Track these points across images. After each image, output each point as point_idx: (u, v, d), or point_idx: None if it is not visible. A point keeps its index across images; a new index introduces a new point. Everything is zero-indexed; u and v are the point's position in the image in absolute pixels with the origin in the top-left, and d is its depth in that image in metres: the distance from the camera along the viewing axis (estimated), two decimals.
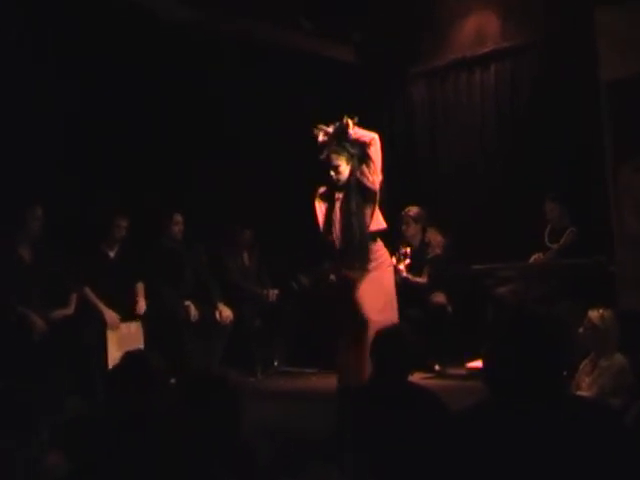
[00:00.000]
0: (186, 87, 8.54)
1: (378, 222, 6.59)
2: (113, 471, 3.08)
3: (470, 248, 8.05)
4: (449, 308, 7.89)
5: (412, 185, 9.06)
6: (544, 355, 2.57)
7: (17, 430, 3.92)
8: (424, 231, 8.21)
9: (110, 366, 6.42)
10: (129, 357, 3.70)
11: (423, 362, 7.37)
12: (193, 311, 7.70)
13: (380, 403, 4.15)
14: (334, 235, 6.66)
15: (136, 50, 8.09)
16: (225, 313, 7.83)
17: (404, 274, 7.82)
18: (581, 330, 5.22)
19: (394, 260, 7.51)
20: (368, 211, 6.51)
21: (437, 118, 9.20)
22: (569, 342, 5.12)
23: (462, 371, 7.57)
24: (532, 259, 7.35)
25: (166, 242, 7.98)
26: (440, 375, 7.66)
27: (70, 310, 7.07)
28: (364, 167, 6.49)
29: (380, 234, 6.64)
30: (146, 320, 7.45)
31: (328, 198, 6.70)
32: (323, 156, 6.55)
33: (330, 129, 6.53)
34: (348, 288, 6.46)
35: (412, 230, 8.14)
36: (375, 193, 6.51)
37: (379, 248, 6.62)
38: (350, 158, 6.50)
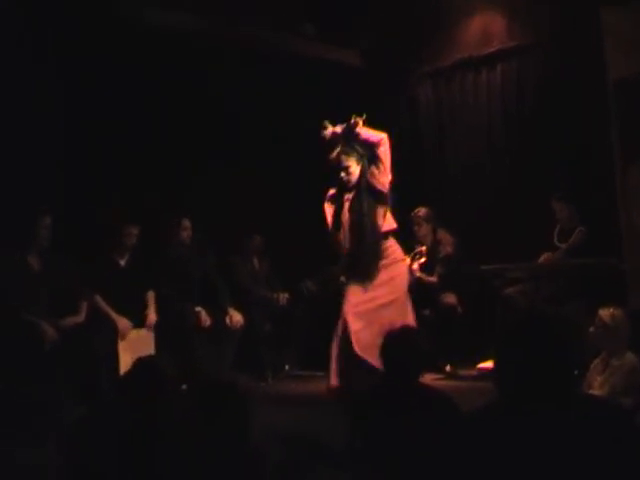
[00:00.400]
0: (188, 91, 8.52)
1: (389, 223, 6.62)
2: (123, 478, 3.09)
3: (478, 248, 8.04)
4: (459, 309, 7.89)
5: (419, 186, 9.05)
6: (554, 355, 2.57)
7: (25, 435, 3.94)
8: (434, 231, 8.21)
9: (121, 373, 6.44)
10: (140, 363, 3.70)
11: (434, 363, 7.37)
12: (204, 317, 7.68)
13: (391, 405, 4.15)
14: (342, 236, 6.69)
15: (136, 51, 8.06)
16: (235, 318, 7.82)
17: (417, 274, 7.81)
18: (592, 329, 5.21)
19: (408, 260, 7.54)
20: (380, 211, 6.55)
21: (443, 118, 9.19)
22: (579, 342, 5.14)
23: (473, 372, 7.56)
24: (541, 259, 7.34)
25: (175, 248, 7.99)
26: (451, 376, 7.64)
27: (81, 318, 7.06)
28: (374, 168, 6.51)
29: (392, 234, 6.68)
30: (157, 326, 7.45)
31: (337, 200, 6.73)
32: (333, 156, 6.58)
33: (338, 129, 6.56)
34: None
35: (424, 230, 8.14)
36: (385, 194, 6.53)
37: (391, 244, 6.66)
38: (360, 159, 6.54)
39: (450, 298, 7.91)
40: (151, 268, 7.69)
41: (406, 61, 9.25)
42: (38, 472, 3.84)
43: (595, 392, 4.91)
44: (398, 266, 6.75)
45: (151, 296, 7.56)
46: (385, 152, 6.47)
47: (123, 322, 7.20)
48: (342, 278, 6.92)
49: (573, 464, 2.39)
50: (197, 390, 3.59)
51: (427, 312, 7.86)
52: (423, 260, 7.83)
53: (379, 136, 6.47)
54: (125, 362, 6.67)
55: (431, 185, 9.17)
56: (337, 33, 8.94)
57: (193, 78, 8.50)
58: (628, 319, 5.18)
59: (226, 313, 7.81)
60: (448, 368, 7.75)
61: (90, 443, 3.45)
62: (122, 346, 7.10)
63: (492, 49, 8.69)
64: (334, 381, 6.48)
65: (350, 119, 6.48)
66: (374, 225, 6.53)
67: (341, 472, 3.60)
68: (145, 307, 7.48)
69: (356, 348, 6.32)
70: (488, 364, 7.05)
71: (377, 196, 6.55)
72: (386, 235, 6.65)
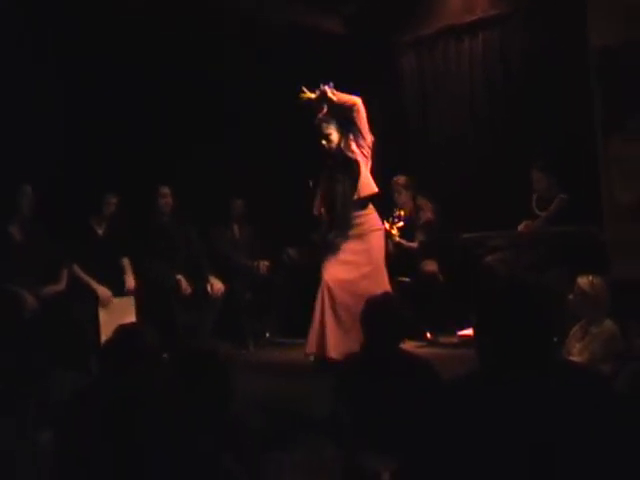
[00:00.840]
0: (178, 65, 8.51)
1: (369, 187, 6.63)
2: (105, 448, 3.09)
3: (460, 217, 8.06)
4: (440, 277, 7.91)
5: (402, 154, 9.04)
6: (534, 323, 2.59)
7: (6, 407, 3.93)
8: (414, 199, 8.22)
9: (102, 341, 6.44)
10: (122, 331, 3.70)
11: (415, 330, 7.40)
12: (185, 284, 7.70)
13: (372, 371, 4.17)
14: (320, 204, 6.76)
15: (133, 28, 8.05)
16: (216, 286, 7.83)
17: (397, 239, 7.83)
18: (571, 297, 5.25)
19: (387, 225, 7.56)
20: (353, 181, 6.56)
21: (426, 87, 9.16)
22: (559, 309, 5.17)
23: (454, 339, 7.60)
24: (521, 226, 7.35)
25: (155, 216, 7.99)
26: (432, 343, 7.68)
27: (61, 286, 7.07)
28: (350, 135, 6.54)
29: (373, 201, 6.69)
30: (138, 294, 7.46)
31: (320, 167, 6.79)
32: (316, 123, 6.61)
33: (312, 95, 6.60)
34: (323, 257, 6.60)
35: (403, 197, 8.14)
36: (358, 163, 6.55)
37: (368, 213, 6.67)
38: (339, 126, 6.57)
39: (431, 266, 7.93)
40: (130, 236, 7.69)
41: (389, 29, 9.19)
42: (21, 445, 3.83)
43: (574, 359, 4.94)
44: (374, 236, 6.76)
45: (126, 263, 7.58)
46: (360, 116, 6.51)
47: (103, 290, 7.22)
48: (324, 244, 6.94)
49: (552, 430, 2.40)
50: (178, 358, 3.58)
51: (408, 279, 7.89)
52: (401, 224, 7.84)
53: (352, 100, 6.51)
54: (106, 330, 6.67)
55: (414, 153, 9.16)
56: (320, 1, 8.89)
57: (177, 51, 8.47)
58: (608, 287, 5.21)
59: (207, 281, 7.82)
60: (429, 335, 7.79)
61: (72, 414, 3.45)
62: (103, 314, 7.12)
63: (474, 17, 8.64)
64: (312, 349, 6.51)
65: (320, 86, 6.53)
66: (346, 194, 6.56)
67: (323, 439, 3.62)
68: (123, 274, 7.51)
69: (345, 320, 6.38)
70: (468, 331, 7.09)
71: (351, 165, 6.57)
72: (364, 203, 6.66)
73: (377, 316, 4.33)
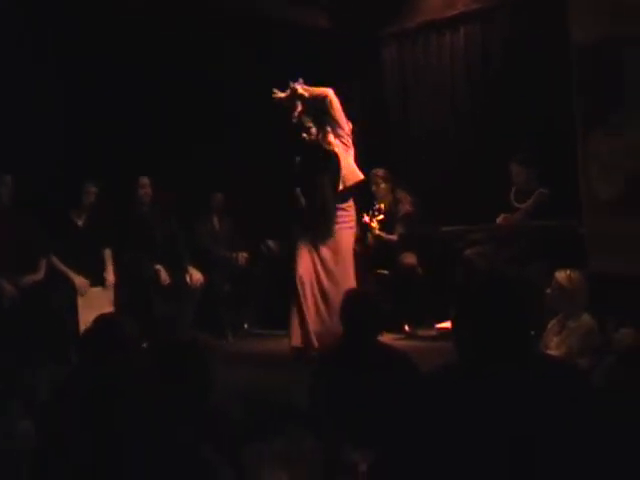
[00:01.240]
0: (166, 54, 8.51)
1: (354, 174, 6.63)
2: (83, 437, 3.08)
3: (440, 211, 8.09)
4: (419, 269, 7.93)
5: (383, 147, 9.05)
6: (512, 316, 2.60)
7: None
8: (393, 191, 8.23)
9: (81, 331, 6.43)
10: (101, 320, 3.69)
11: (393, 323, 7.42)
12: (163, 275, 7.69)
13: (350, 363, 4.18)
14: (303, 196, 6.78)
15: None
16: (195, 277, 7.83)
17: (377, 232, 7.85)
18: (549, 291, 5.28)
19: (367, 218, 7.59)
20: (332, 173, 6.57)
21: (408, 80, 9.16)
22: (537, 303, 5.20)
23: (432, 332, 7.62)
24: (499, 219, 7.37)
25: (135, 207, 7.97)
26: (410, 336, 7.71)
27: (40, 276, 7.07)
28: (327, 128, 6.56)
29: (354, 195, 6.70)
30: (116, 284, 7.45)
31: (301, 160, 6.80)
32: (294, 118, 6.63)
33: (282, 95, 6.64)
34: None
35: (382, 190, 8.15)
36: (336, 155, 6.56)
37: (346, 207, 6.67)
38: (315, 119, 6.60)
39: (410, 259, 7.94)
40: (110, 226, 7.67)
41: (371, 22, 9.19)
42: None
43: (551, 352, 4.97)
44: (344, 233, 6.76)
45: (108, 254, 7.55)
46: (333, 106, 6.54)
47: (80, 280, 7.22)
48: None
49: (530, 423, 2.42)
50: (158, 348, 3.58)
51: (387, 272, 7.91)
52: (381, 217, 7.86)
53: (324, 92, 6.54)
54: (85, 320, 6.66)
55: (395, 146, 9.17)
56: None
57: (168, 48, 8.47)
58: (586, 281, 5.24)
59: (186, 272, 7.81)
60: (407, 328, 7.81)
61: (52, 405, 3.45)
62: (81, 304, 7.10)
63: (456, 12, 8.65)
64: (296, 341, 6.53)
65: (290, 84, 6.57)
66: (325, 187, 6.58)
67: (302, 430, 3.62)
68: (103, 266, 7.48)
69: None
70: (447, 324, 7.11)
71: (329, 158, 6.58)
72: (346, 197, 6.66)
73: (355, 309, 4.34)
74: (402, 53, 9.17)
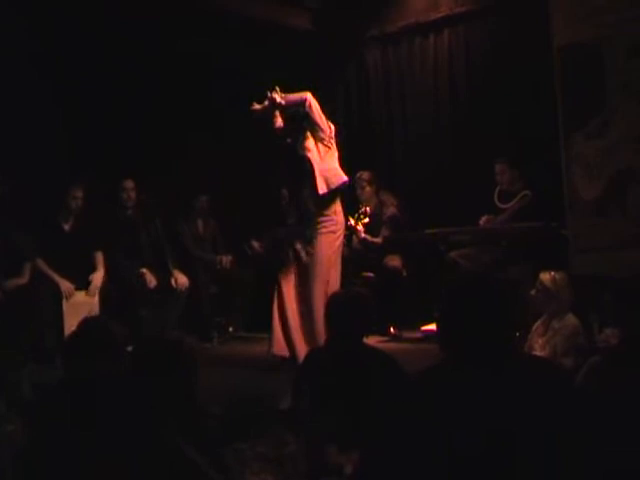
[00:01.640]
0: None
1: (338, 177, 6.57)
2: (69, 438, 3.08)
3: (425, 213, 8.11)
4: (404, 272, 7.94)
5: (367, 150, 9.06)
6: (496, 318, 2.61)
7: None
8: (377, 194, 8.25)
9: (66, 334, 6.42)
10: (87, 323, 3.68)
11: (378, 325, 7.42)
12: (149, 278, 7.69)
13: (336, 366, 4.18)
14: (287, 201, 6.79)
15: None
16: (181, 280, 7.82)
17: (362, 235, 7.86)
18: (533, 292, 5.30)
19: (352, 221, 7.60)
20: (308, 179, 6.55)
21: (391, 83, 9.18)
22: (521, 304, 5.22)
23: (417, 334, 7.63)
24: (482, 220, 7.40)
25: (120, 210, 7.96)
26: (395, 338, 7.72)
27: (24, 279, 7.06)
28: (307, 133, 6.53)
29: (341, 198, 6.68)
30: (102, 288, 7.43)
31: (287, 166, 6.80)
32: (276, 125, 6.63)
33: (258, 106, 6.64)
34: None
35: (367, 193, 8.16)
36: (309, 161, 6.51)
37: (329, 214, 6.60)
38: (295, 124, 6.59)
39: (395, 261, 7.96)
40: (97, 230, 7.66)
41: (355, 24, 9.21)
42: None
43: (537, 353, 5.00)
44: (324, 239, 6.65)
45: (99, 258, 7.54)
46: (313, 109, 6.48)
47: (66, 284, 7.20)
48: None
49: (514, 423, 2.43)
50: (142, 349, 3.57)
51: (372, 275, 7.92)
52: (367, 220, 7.87)
53: (302, 96, 6.51)
54: (70, 324, 6.65)
55: (378, 148, 9.18)
56: None
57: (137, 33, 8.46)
58: (570, 282, 5.27)
59: (171, 275, 7.80)
60: (392, 330, 7.83)
61: (39, 406, 3.44)
62: (67, 308, 7.09)
63: (439, 14, 8.67)
64: (277, 348, 6.50)
65: (267, 94, 6.56)
66: (304, 193, 6.56)
67: (286, 432, 3.63)
68: (91, 269, 7.47)
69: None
70: (431, 327, 7.12)
71: (304, 164, 6.56)
72: (329, 202, 6.61)
73: (341, 311, 4.34)
74: (386, 55, 9.19)
